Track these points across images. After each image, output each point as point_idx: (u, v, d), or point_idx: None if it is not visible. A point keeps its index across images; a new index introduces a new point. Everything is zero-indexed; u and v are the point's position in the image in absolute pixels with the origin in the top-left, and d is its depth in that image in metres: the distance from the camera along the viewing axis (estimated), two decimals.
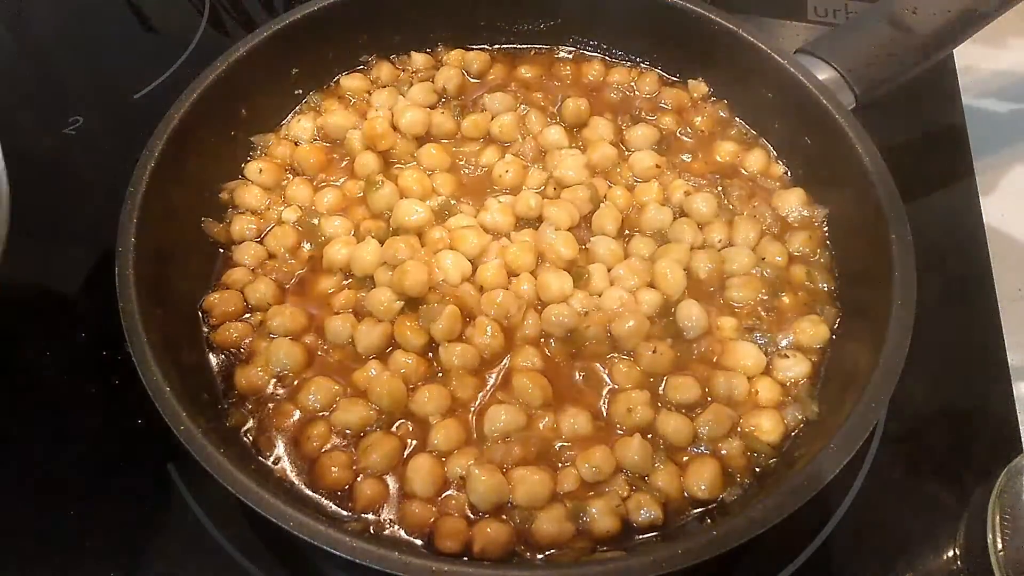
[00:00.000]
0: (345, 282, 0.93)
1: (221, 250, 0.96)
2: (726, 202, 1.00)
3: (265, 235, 0.96)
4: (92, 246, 1.03)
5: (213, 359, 0.88)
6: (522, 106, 1.08)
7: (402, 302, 0.87)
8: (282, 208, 0.99)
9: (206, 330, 0.89)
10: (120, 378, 0.93)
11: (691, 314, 0.88)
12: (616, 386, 0.86)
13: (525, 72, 1.14)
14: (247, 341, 0.88)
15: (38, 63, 1.29)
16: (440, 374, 0.86)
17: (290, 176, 1.02)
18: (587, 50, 1.16)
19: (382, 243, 0.92)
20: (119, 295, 0.79)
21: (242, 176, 1.01)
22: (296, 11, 1.03)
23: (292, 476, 0.80)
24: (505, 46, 1.16)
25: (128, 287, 0.80)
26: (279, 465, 0.81)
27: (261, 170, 1.00)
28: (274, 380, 0.86)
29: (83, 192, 1.13)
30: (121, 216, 0.84)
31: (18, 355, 0.98)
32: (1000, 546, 0.80)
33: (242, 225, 0.96)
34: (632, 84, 1.12)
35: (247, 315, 0.90)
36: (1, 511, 0.87)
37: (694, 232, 0.95)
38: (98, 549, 0.84)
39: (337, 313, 0.89)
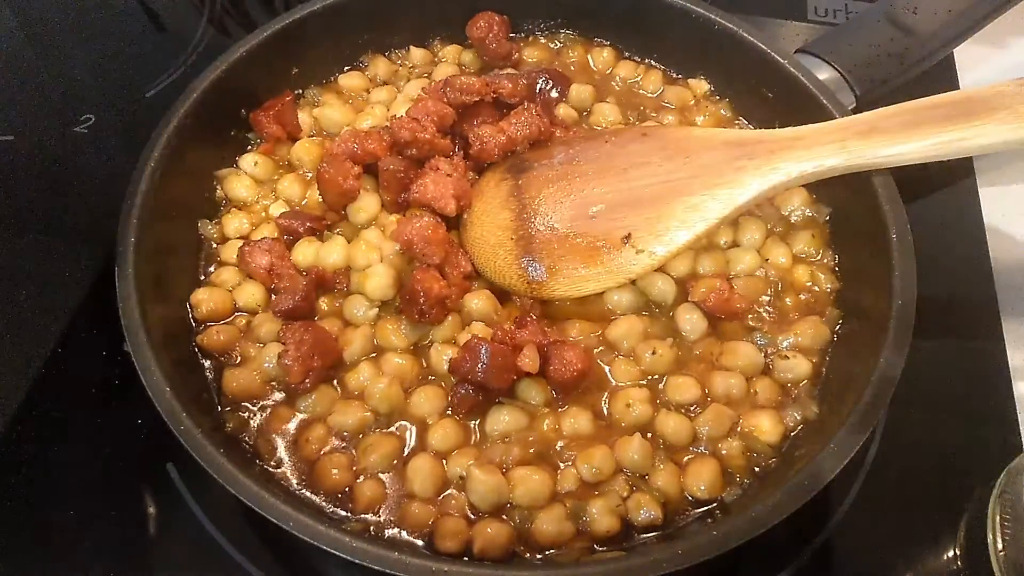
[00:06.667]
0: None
1: (215, 245, 0.96)
2: None
3: (253, 231, 0.95)
4: (104, 244, 1.02)
5: (205, 361, 0.86)
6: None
7: (377, 308, 0.87)
8: (270, 202, 0.98)
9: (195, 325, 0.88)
10: (120, 378, 0.93)
11: (690, 316, 0.88)
12: (616, 384, 0.85)
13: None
14: (237, 346, 0.86)
15: (50, 61, 1.29)
16: (432, 377, 0.85)
17: (282, 171, 1.01)
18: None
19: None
20: (119, 294, 0.79)
21: (235, 165, 1.00)
22: (296, 11, 1.03)
23: (293, 478, 0.80)
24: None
25: (128, 286, 0.80)
26: (280, 468, 0.80)
27: (256, 163, 1.00)
28: (270, 384, 0.84)
29: (95, 190, 1.13)
30: (121, 216, 0.84)
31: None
32: (1000, 546, 0.80)
33: (234, 223, 0.95)
34: (637, 80, 1.12)
35: (235, 315, 0.89)
36: (0, 510, 0.86)
37: None
38: (97, 549, 0.84)
39: (323, 317, 0.89)
